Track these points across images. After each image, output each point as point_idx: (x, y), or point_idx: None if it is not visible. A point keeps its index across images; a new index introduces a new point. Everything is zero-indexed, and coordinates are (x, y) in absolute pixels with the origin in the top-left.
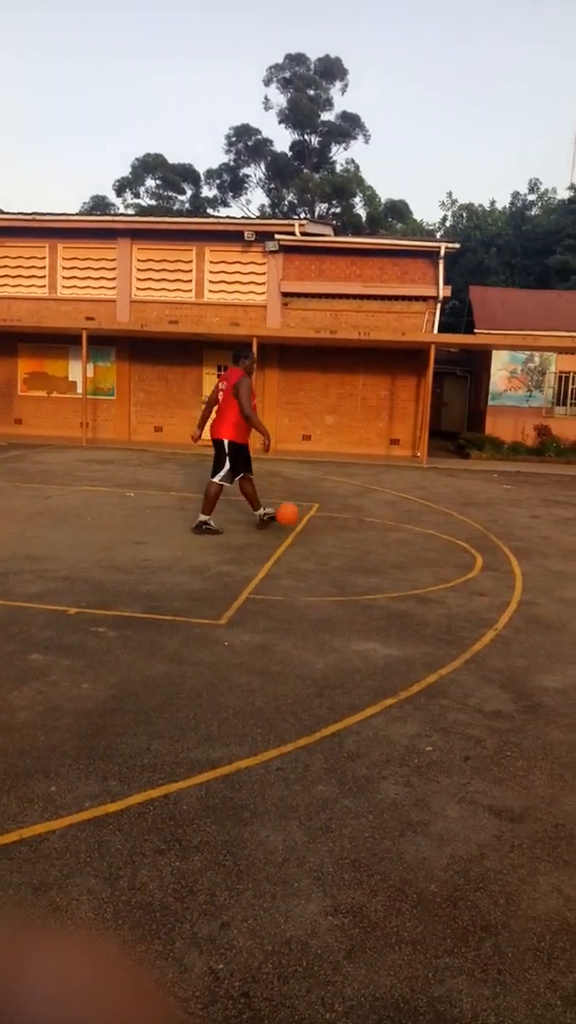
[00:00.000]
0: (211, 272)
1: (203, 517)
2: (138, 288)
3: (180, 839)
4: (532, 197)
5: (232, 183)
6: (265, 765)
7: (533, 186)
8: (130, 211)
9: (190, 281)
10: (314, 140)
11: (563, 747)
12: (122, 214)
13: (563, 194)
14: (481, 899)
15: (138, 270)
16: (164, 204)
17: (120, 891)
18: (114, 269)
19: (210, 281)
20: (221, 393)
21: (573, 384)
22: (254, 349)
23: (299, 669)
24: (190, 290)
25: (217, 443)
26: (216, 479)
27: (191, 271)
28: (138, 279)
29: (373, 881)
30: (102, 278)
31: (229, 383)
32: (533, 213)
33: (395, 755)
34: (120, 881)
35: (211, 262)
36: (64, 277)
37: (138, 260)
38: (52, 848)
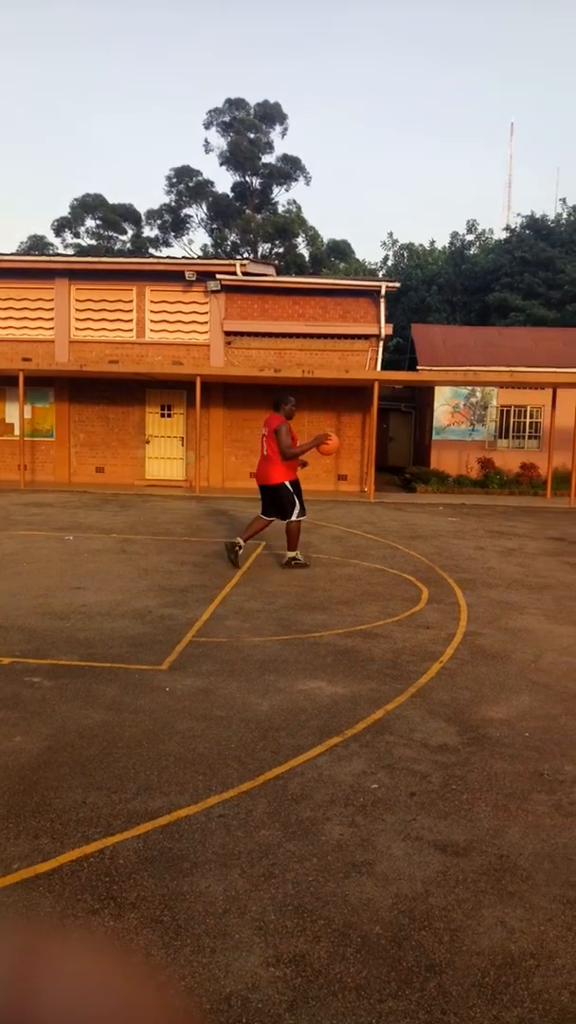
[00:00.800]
0: (152, 312)
1: (291, 554)
2: (77, 328)
3: (115, 896)
4: (470, 237)
5: (174, 223)
6: (206, 812)
7: (471, 227)
8: (69, 251)
9: (131, 321)
10: (256, 181)
11: (507, 777)
12: (60, 254)
13: (499, 235)
14: (426, 938)
15: (77, 310)
16: (105, 244)
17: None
18: (52, 309)
19: (151, 320)
20: (265, 440)
21: (515, 417)
22: (198, 388)
23: (243, 712)
24: (131, 329)
25: (273, 488)
26: (294, 518)
27: (132, 311)
28: (77, 319)
29: (316, 927)
30: (40, 318)
31: (269, 428)
32: (472, 252)
33: (340, 795)
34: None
35: (152, 302)
36: (0, 318)
37: (77, 300)
38: None
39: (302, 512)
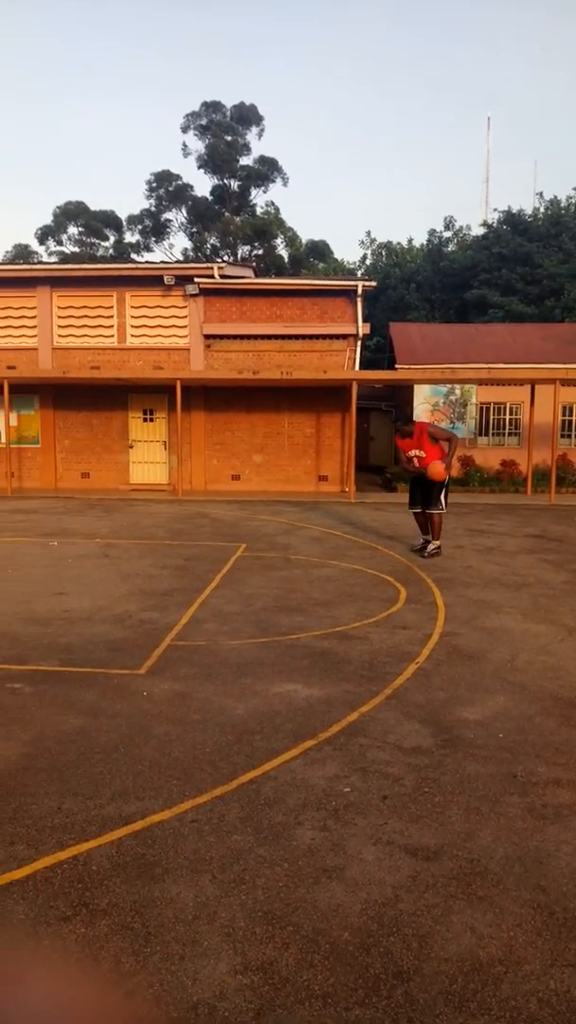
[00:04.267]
0: (132, 317)
1: (436, 543)
2: (59, 335)
3: (87, 903)
4: (448, 234)
5: (155, 228)
6: (179, 818)
7: (448, 223)
8: (53, 259)
9: (112, 327)
10: (234, 184)
11: (480, 779)
12: (41, 262)
13: (477, 231)
14: (394, 944)
15: (59, 317)
16: (87, 251)
17: (20, 965)
18: (35, 317)
19: (132, 326)
20: (415, 452)
21: (494, 415)
22: (178, 392)
23: (219, 716)
24: (112, 335)
25: (430, 480)
26: (441, 509)
27: (112, 316)
28: (59, 326)
29: (285, 933)
30: (23, 326)
31: (422, 440)
32: (450, 249)
33: (312, 799)
34: (21, 954)
35: (132, 307)
36: None
37: (59, 307)
38: None
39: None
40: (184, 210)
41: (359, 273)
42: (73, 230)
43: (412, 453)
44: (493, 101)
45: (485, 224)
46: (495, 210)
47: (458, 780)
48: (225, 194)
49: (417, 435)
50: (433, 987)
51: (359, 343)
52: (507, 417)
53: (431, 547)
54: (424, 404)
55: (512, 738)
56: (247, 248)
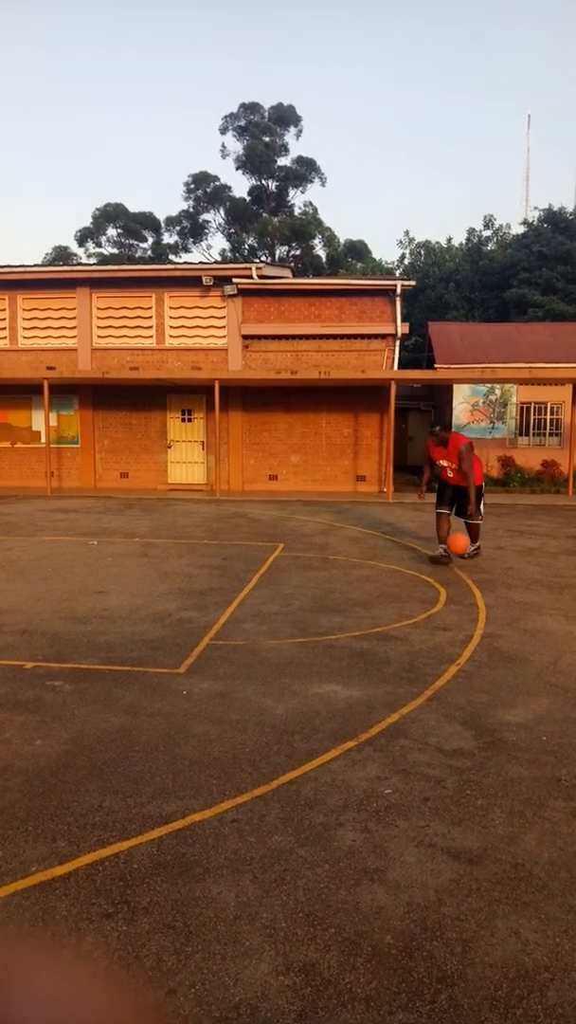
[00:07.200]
0: (171, 317)
1: (474, 545)
2: (99, 336)
3: (129, 901)
4: (487, 233)
5: (192, 229)
6: (220, 817)
7: (488, 222)
8: (92, 260)
9: (150, 327)
10: (272, 184)
11: (523, 783)
12: (81, 264)
13: (517, 229)
14: (437, 948)
15: (98, 318)
16: (126, 252)
17: (63, 961)
18: (74, 318)
19: (170, 327)
20: (446, 463)
21: (535, 415)
22: (216, 392)
23: (258, 716)
24: (151, 336)
25: (462, 490)
26: (480, 519)
27: (151, 317)
28: (98, 327)
29: (327, 935)
30: (63, 327)
31: (453, 454)
32: (489, 248)
33: (353, 800)
34: (64, 950)
35: (171, 307)
36: (25, 328)
37: (98, 308)
38: None
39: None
40: (222, 211)
41: (397, 272)
42: (112, 232)
43: (443, 464)
44: (535, 98)
45: (525, 222)
46: (535, 208)
47: (500, 783)
48: (263, 195)
49: (451, 447)
50: (478, 993)
51: (398, 343)
52: (548, 417)
53: (471, 548)
54: (464, 404)
55: (555, 741)
56: (285, 248)
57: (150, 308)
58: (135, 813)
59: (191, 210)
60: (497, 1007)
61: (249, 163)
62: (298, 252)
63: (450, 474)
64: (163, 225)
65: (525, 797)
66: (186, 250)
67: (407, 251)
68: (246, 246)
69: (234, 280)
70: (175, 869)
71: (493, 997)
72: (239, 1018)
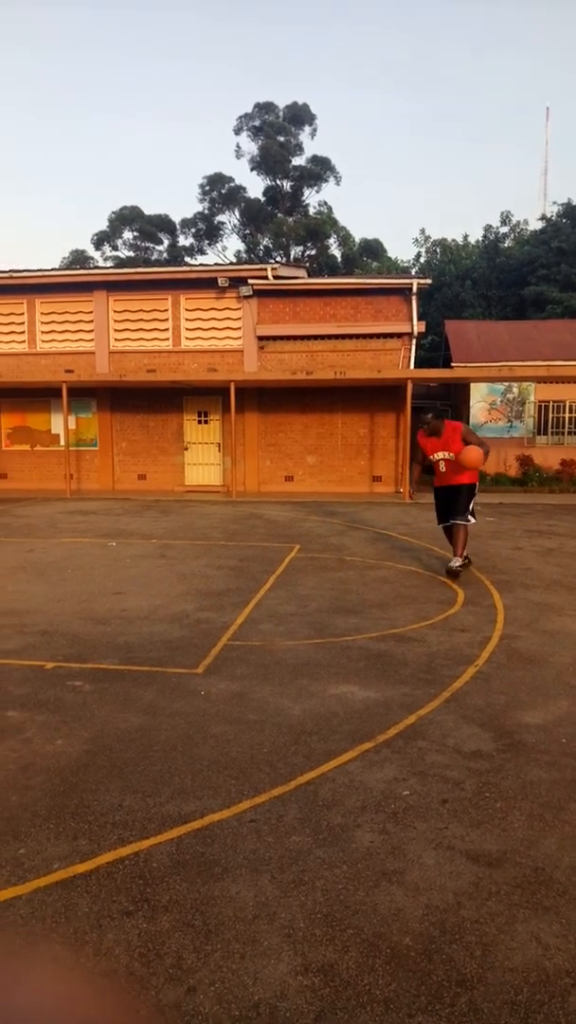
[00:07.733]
0: (187, 320)
1: (460, 559)
2: (116, 339)
3: (149, 899)
4: (504, 229)
5: (208, 231)
6: (238, 817)
7: (505, 218)
8: (108, 264)
9: (167, 329)
10: (286, 184)
11: (543, 785)
12: (97, 267)
13: (535, 225)
14: (457, 951)
15: (115, 321)
16: (142, 255)
17: (85, 958)
18: (91, 321)
19: (186, 329)
20: (442, 454)
21: (553, 413)
22: (232, 394)
23: (276, 716)
24: (167, 338)
25: (455, 489)
26: (468, 521)
27: (167, 319)
28: (116, 330)
29: (346, 936)
30: (80, 331)
31: (452, 441)
32: (506, 245)
33: (371, 801)
34: (86, 947)
35: (187, 310)
36: (43, 331)
37: (115, 311)
38: (18, 914)
39: (472, 515)
40: (237, 212)
41: (413, 271)
42: (128, 235)
43: (439, 456)
44: (553, 90)
45: (543, 217)
46: (554, 203)
47: (520, 786)
48: (278, 195)
49: (448, 434)
50: (498, 997)
51: (414, 342)
52: (567, 415)
53: (454, 563)
54: (481, 403)
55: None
56: (300, 248)
57: (166, 310)
58: (154, 812)
59: (206, 212)
60: (517, 1011)
61: (264, 163)
62: (313, 252)
63: (443, 468)
64: (178, 227)
65: (545, 800)
66: (201, 252)
67: (423, 249)
68: (261, 247)
69: (249, 281)
70: (194, 868)
71: (513, 1002)
72: (258, 1017)
